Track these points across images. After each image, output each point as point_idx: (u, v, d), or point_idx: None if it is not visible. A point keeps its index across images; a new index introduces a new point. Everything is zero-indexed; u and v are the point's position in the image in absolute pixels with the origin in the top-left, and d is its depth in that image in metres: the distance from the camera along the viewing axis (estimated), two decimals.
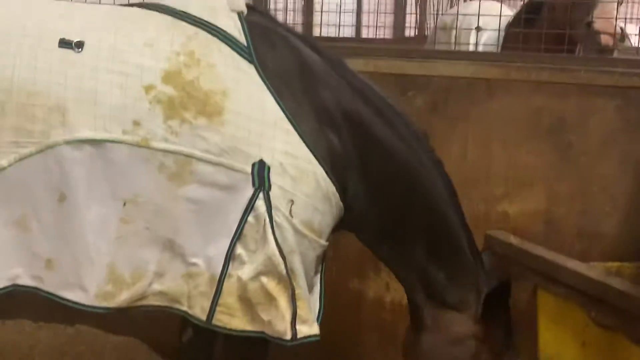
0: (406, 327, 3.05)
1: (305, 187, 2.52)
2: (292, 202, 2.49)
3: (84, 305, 2.49)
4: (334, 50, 2.77)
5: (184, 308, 2.54)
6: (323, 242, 2.62)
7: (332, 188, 2.57)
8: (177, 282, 2.52)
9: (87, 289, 2.47)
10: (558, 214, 3.25)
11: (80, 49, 2.48)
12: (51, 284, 2.51)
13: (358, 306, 3.29)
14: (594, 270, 2.91)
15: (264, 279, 2.45)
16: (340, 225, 2.74)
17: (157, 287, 2.52)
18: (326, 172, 2.55)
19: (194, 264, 2.50)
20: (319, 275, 2.73)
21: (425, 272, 2.83)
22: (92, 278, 2.46)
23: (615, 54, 4.54)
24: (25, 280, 2.51)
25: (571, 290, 2.90)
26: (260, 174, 2.46)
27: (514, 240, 3.19)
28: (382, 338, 3.57)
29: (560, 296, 2.98)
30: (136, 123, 2.43)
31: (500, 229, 3.20)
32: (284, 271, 2.44)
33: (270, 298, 2.45)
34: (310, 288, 2.64)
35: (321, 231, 2.60)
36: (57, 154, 2.42)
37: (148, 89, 2.45)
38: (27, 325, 4.47)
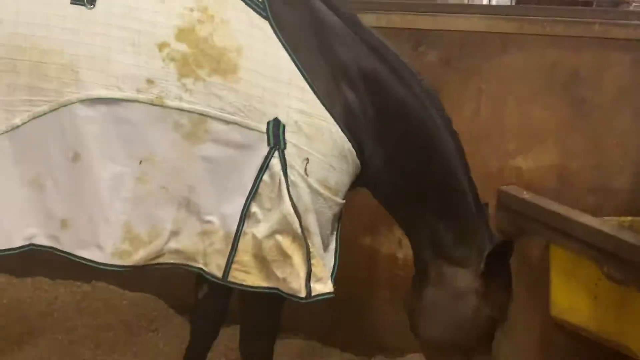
0: (410, 283, 3.09)
1: (320, 145, 2.52)
2: (307, 160, 2.50)
3: (100, 263, 2.51)
4: (347, 5, 2.73)
5: (200, 265, 2.57)
6: (339, 200, 2.63)
7: (348, 145, 2.57)
8: (193, 240, 2.54)
9: (103, 248, 2.49)
10: (571, 169, 3.24)
11: (92, 6, 2.44)
12: (67, 244, 2.53)
13: (371, 263, 3.31)
14: (606, 224, 2.91)
15: (279, 237, 2.47)
16: (357, 183, 2.75)
17: (173, 245, 2.54)
18: (342, 130, 2.55)
19: (209, 222, 2.52)
20: (335, 234, 2.73)
21: (435, 229, 2.85)
22: (108, 236, 2.48)
23: (632, 7, 4.46)
24: (42, 240, 2.53)
25: (584, 244, 2.91)
26: (275, 133, 2.46)
27: (527, 195, 3.19)
28: (394, 294, 3.60)
29: (572, 251, 2.99)
30: (150, 81, 2.41)
31: (513, 184, 3.20)
32: (299, 230, 2.46)
33: (285, 256, 2.47)
34: (326, 246, 2.65)
35: (337, 189, 2.61)
36: (70, 112, 2.41)
37: (161, 46, 2.43)
38: (44, 282, 4.56)
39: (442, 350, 3.00)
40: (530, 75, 3.23)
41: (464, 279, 2.89)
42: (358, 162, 2.64)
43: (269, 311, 2.77)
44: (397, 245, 3.65)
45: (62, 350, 3.80)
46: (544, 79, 3.21)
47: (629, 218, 3.08)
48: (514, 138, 3.27)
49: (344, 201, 2.65)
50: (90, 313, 4.21)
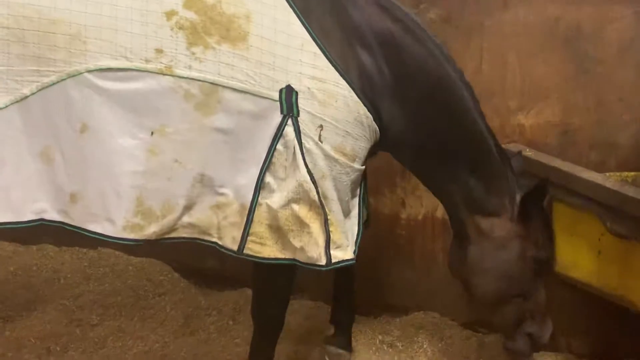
0: (450, 244, 3.10)
1: (334, 111, 2.49)
2: (321, 127, 2.48)
3: (111, 237, 2.50)
4: None
5: (214, 239, 2.57)
6: (357, 166, 2.60)
7: (363, 110, 2.54)
8: (207, 213, 2.53)
9: (114, 221, 2.48)
10: (574, 125, 3.23)
11: None
12: (77, 218, 2.52)
13: (374, 223, 3.32)
14: (609, 180, 2.91)
15: (295, 206, 2.46)
16: (378, 147, 2.73)
17: (186, 219, 2.53)
18: (357, 95, 2.52)
19: (224, 195, 2.51)
20: (356, 199, 2.71)
21: (466, 185, 2.84)
22: (119, 210, 2.47)
23: None
24: (52, 215, 2.53)
25: (587, 200, 2.92)
26: (288, 100, 2.44)
27: (529, 152, 3.19)
28: (398, 253, 3.63)
29: (576, 207, 3.00)
30: (159, 51, 2.40)
31: (516, 142, 3.19)
32: (316, 197, 2.45)
33: (302, 224, 2.46)
34: (347, 213, 2.64)
35: (355, 155, 2.58)
36: (78, 82, 2.40)
37: (169, 14, 2.41)
38: (50, 249, 4.59)
39: (500, 300, 3.00)
40: (532, 32, 3.20)
41: (503, 227, 2.90)
42: (376, 126, 2.61)
43: (282, 280, 2.76)
44: (400, 206, 3.66)
45: (69, 316, 3.84)
46: (546, 35, 3.18)
47: (632, 173, 3.08)
48: (516, 95, 3.25)
49: (363, 167, 2.63)
50: (96, 279, 4.25)
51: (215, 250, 4.09)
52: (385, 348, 3.63)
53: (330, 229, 2.48)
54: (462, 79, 2.74)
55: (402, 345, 3.64)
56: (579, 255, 3.07)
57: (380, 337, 3.72)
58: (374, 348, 3.62)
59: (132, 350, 3.59)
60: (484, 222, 2.93)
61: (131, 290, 4.15)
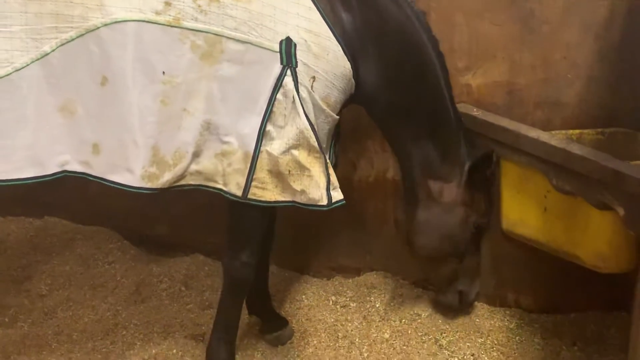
0: (396, 203, 3.27)
1: (325, 64, 2.64)
2: (314, 78, 2.63)
3: (132, 187, 2.61)
4: None
5: (219, 185, 2.69)
6: (335, 116, 2.77)
7: (348, 65, 2.71)
8: (212, 161, 2.65)
9: (134, 171, 2.58)
10: (520, 84, 3.26)
11: None
12: (99, 168, 2.62)
13: None
14: (555, 138, 2.96)
15: (295, 152, 2.60)
16: (352, 100, 2.89)
17: (194, 167, 2.65)
18: (343, 49, 2.67)
19: (228, 143, 2.63)
20: (329, 149, 2.87)
21: (424, 149, 3.04)
22: (138, 160, 2.57)
23: None
24: (74, 166, 2.62)
25: (533, 158, 2.97)
26: (288, 52, 2.57)
27: (477, 112, 3.21)
28: (350, 215, 3.64)
29: (522, 165, 3.05)
30: (167, 3, 2.52)
31: (464, 101, 3.21)
32: (316, 143, 2.60)
33: (302, 168, 2.60)
34: None
35: (335, 106, 2.75)
36: (96, 36, 2.49)
37: None
38: None
39: (438, 259, 3.30)
40: None
41: (450, 193, 3.12)
42: (353, 80, 2.77)
43: (257, 222, 2.86)
44: (351, 168, 3.66)
45: (18, 287, 3.77)
46: None
47: (577, 131, 3.13)
48: (463, 55, 3.26)
49: (339, 117, 2.80)
50: (44, 248, 4.16)
51: (164, 217, 4.08)
52: (339, 309, 3.66)
53: (329, 171, 2.65)
54: (435, 48, 2.91)
55: (355, 306, 3.68)
56: (526, 212, 3.13)
57: (333, 298, 3.76)
58: (327, 309, 3.65)
59: (82, 320, 3.55)
60: (435, 186, 3.11)
61: (80, 259, 4.08)
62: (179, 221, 4.08)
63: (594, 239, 2.87)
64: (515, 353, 3.27)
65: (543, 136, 2.96)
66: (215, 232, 3.84)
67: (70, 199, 4.23)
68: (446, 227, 3.18)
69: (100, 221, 4.34)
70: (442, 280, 3.41)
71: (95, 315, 3.59)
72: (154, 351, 3.30)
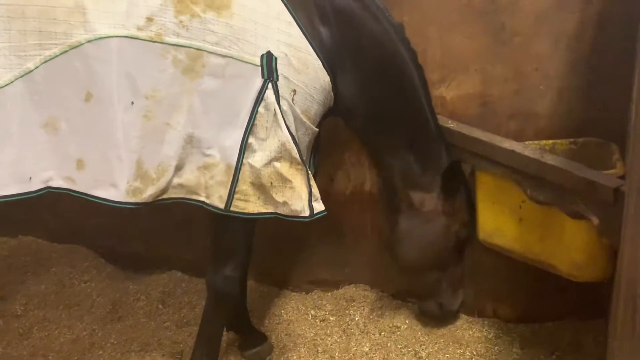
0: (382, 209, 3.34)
1: (305, 78, 2.68)
2: (295, 91, 2.66)
3: (116, 202, 2.61)
4: None
5: (202, 198, 2.69)
6: (315, 128, 2.81)
7: (327, 78, 2.76)
8: (195, 174, 2.66)
9: (118, 186, 2.59)
10: (493, 96, 3.29)
11: None
12: (83, 184, 2.62)
13: None
14: (529, 148, 2.98)
15: (277, 164, 2.62)
16: (331, 113, 2.93)
17: (177, 180, 2.66)
18: (322, 63, 2.72)
19: (210, 156, 2.65)
20: (309, 160, 2.91)
21: (404, 160, 3.10)
22: (123, 175, 2.58)
23: None
24: (58, 182, 2.62)
25: (507, 169, 2.99)
26: (269, 65, 2.60)
27: (451, 124, 3.23)
28: (328, 228, 3.64)
29: (497, 176, 3.07)
30: (149, 19, 2.53)
31: (438, 114, 3.23)
32: (297, 155, 2.62)
33: (284, 180, 2.62)
34: None
35: (315, 119, 2.79)
36: (80, 53, 2.51)
37: None
38: None
39: (421, 269, 3.33)
40: (450, 5, 3.23)
41: (431, 203, 3.16)
42: (332, 93, 2.82)
43: (240, 235, 2.87)
44: (328, 181, 3.66)
45: None
46: (464, 7, 3.21)
47: (550, 141, 3.16)
48: (437, 68, 3.28)
49: (318, 129, 2.84)
50: (18, 268, 4.12)
51: (140, 233, 4.05)
52: (318, 323, 3.65)
53: (311, 183, 2.67)
54: (414, 60, 2.97)
55: (334, 319, 3.68)
56: (501, 222, 3.15)
57: (312, 312, 3.75)
58: (306, 324, 3.64)
59: (58, 340, 3.51)
60: (416, 196, 3.16)
61: (55, 278, 4.04)
62: (155, 237, 4.05)
63: (569, 248, 2.90)
64: None
65: (517, 147, 2.98)
66: (193, 248, 3.85)
67: (44, 217, 4.18)
68: (428, 237, 3.22)
69: (75, 239, 4.30)
70: (425, 290, 3.44)
71: (72, 335, 3.56)
72: None
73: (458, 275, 3.42)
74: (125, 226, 3.97)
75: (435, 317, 3.51)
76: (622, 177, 2.66)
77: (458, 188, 3.16)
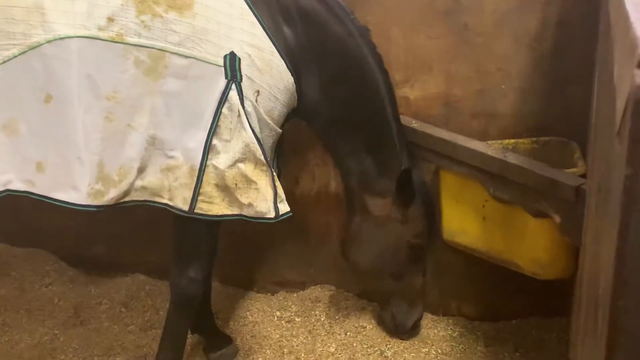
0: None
1: (269, 78, 2.65)
2: (258, 92, 2.63)
3: (77, 205, 2.57)
4: None
5: (165, 200, 2.66)
6: (279, 129, 2.79)
7: (291, 79, 2.74)
8: (157, 176, 2.63)
9: (79, 188, 2.54)
10: (456, 96, 3.30)
11: None
12: (43, 187, 2.58)
13: None
14: (491, 148, 3.01)
15: (241, 165, 2.59)
16: (294, 114, 2.91)
17: (139, 182, 2.62)
18: (286, 64, 2.70)
19: (173, 157, 2.62)
20: (273, 161, 2.87)
21: (362, 163, 3.08)
22: (84, 177, 2.53)
23: None
24: (17, 185, 2.58)
25: (471, 168, 3.02)
26: (232, 66, 2.57)
27: (415, 124, 3.25)
28: (293, 229, 3.63)
29: (461, 175, 3.09)
30: (110, 19, 2.49)
31: (402, 114, 3.23)
32: (262, 156, 2.59)
33: (249, 182, 2.60)
34: None
35: (279, 120, 2.77)
36: (39, 53, 2.47)
37: None
38: None
39: (372, 275, 3.31)
40: (413, 5, 3.24)
41: (384, 208, 3.13)
42: (296, 94, 2.81)
43: (204, 237, 2.84)
44: (293, 182, 3.65)
45: None
46: (426, 7, 3.23)
47: (512, 140, 3.19)
48: (400, 68, 3.29)
49: (281, 130, 2.81)
50: None
51: (102, 236, 3.99)
52: (284, 324, 3.64)
53: (276, 184, 2.65)
54: (379, 65, 2.97)
55: (300, 320, 3.66)
56: (465, 221, 3.17)
57: (278, 313, 3.73)
58: (272, 325, 3.62)
59: (19, 345, 3.44)
60: (371, 201, 3.15)
61: (15, 282, 3.96)
62: (118, 240, 4.00)
63: (532, 246, 2.93)
64: None
65: (480, 146, 3.01)
66: (156, 250, 3.80)
67: (4, 221, 4.10)
68: (377, 241, 3.20)
69: (35, 243, 4.22)
70: (380, 297, 3.44)
71: (33, 340, 3.49)
72: None
73: (414, 290, 3.35)
74: (87, 229, 3.91)
75: (389, 328, 3.45)
76: (584, 176, 2.70)
77: (412, 196, 3.11)
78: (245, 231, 3.45)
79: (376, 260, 3.23)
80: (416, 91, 3.34)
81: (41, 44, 2.46)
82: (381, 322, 3.53)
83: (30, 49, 2.47)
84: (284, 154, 3.10)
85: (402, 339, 3.45)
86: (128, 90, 2.53)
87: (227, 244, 3.32)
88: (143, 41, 2.52)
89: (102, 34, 2.49)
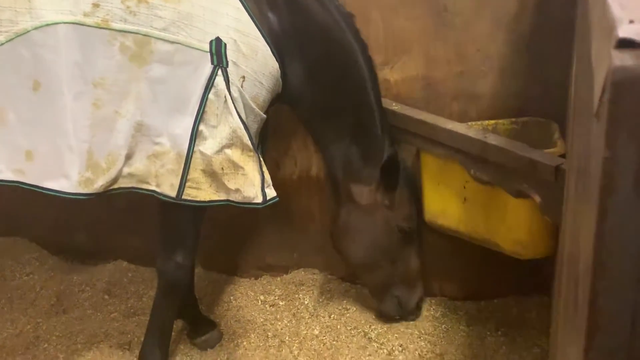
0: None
1: (254, 64, 2.64)
2: (244, 78, 2.62)
3: (68, 193, 2.55)
4: None
5: (152, 187, 2.66)
6: (263, 115, 2.78)
7: (276, 65, 2.73)
8: (144, 162, 2.62)
9: (70, 177, 2.53)
10: (436, 78, 3.30)
11: None
12: (33, 176, 2.56)
13: None
14: (471, 129, 3.02)
15: (228, 151, 2.58)
16: (278, 100, 2.90)
17: (127, 169, 2.61)
18: (271, 50, 2.69)
19: (159, 144, 2.61)
20: (259, 147, 2.85)
21: (346, 151, 3.07)
22: (73, 165, 2.52)
23: None
24: (7, 175, 2.56)
25: (451, 150, 3.02)
26: (218, 51, 2.56)
27: (395, 107, 3.25)
28: (275, 213, 3.62)
29: (441, 157, 3.09)
30: (95, 5, 2.47)
31: (383, 96, 3.23)
32: (249, 141, 2.59)
33: (236, 167, 2.59)
34: None
35: (264, 105, 2.77)
36: (27, 40, 2.44)
37: None
38: None
39: (367, 263, 3.28)
40: None
41: (370, 196, 3.13)
42: (281, 80, 2.80)
43: (190, 222, 2.85)
44: (274, 167, 3.64)
45: None
46: None
47: (492, 121, 3.20)
48: (380, 50, 3.28)
49: (266, 116, 2.81)
50: None
51: (83, 224, 3.96)
52: (268, 308, 3.65)
53: (263, 170, 2.65)
54: (363, 51, 2.96)
55: (284, 304, 3.68)
56: (446, 203, 3.18)
57: (262, 297, 3.74)
58: (256, 309, 3.63)
59: (1, 334, 3.44)
60: (356, 188, 3.14)
61: None
62: (99, 227, 3.98)
63: (513, 226, 2.95)
64: (442, 341, 3.33)
65: (459, 128, 3.01)
66: (138, 236, 3.79)
67: None
68: (367, 230, 3.20)
69: (15, 231, 4.19)
70: (376, 287, 3.40)
71: (15, 329, 3.47)
72: None
73: (412, 270, 3.36)
74: (68, 217, 3.88)
75: (394, 316, 3.42)
76: (563, 156, 2.71)
77: (397, 181, 3.12)
78: (227, 216, 3.44)
79: (369, 249, 3.23)
80: (396, 73, 3.34)
81: (28, 31, 2.44)
82: (383, 315, 3.47)
83: (17, 36, 2.45)
84: (267, 139, 3.09)
85: (409, 321, 3.45)
86: (115, 77, 2.52)
87: (209, 230, 3.31)
88: (128, 27, 2.50)
89: (87, 20, 2.47)
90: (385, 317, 3.49)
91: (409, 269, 3.35)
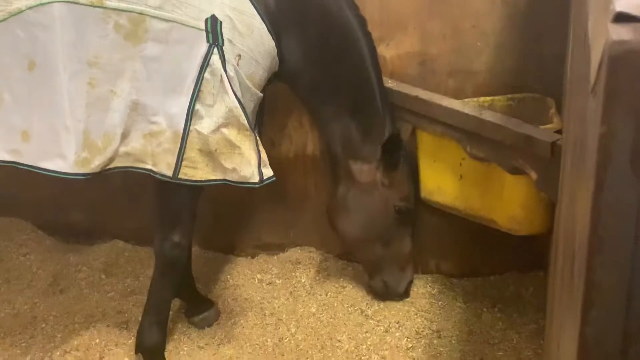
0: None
1: (250, 42, 2.63)
2: (240, 56, 2.60)
3: (65, 173, 2.55)
4: None
5: (149, 166, 2.65)
6: (260, 94, 2.76)
7: (272, 43, 2.71)
8: (140, 141, 2.61)
9: (67, 157, 2.52)
10: (432, 54, 3.29)
11: None
12: (29, 156, 2.55)
13: None
14: (467, 106, 3.01)
15: (225, 130, 2.58)
16: (275, 78, 2.89)
17: (123, 148, 2.61)
18: (267, 28, 2.66)
19: (156, 123, 2.60)
20: (255, 126, 2.84)
21: (346, 128, 3.06)
22: (70, 145, 2.51)
23: None
24: (3, 156, 2.56)
25: (447, 127, 3.02)
26: (214, 30, 2.53)
27: (391, 83, 3.23)
28: (271, 192, 3.61)
29: (437, 134, 3.09)
30: None
31: None
32: (245, 121, 2.58)
33: (232, 147, 2.58)
34: None
35: (260, 84, 2.74)
36: (21, 20, 2.43)
37: None
38: None
39: (361, 241, 3.29)
40: None
41: (369, 174, 3.13)
42: (277, 58, 2.77)
43: (187, 201, 2.85)
44: (269, 145, 3.63)
45: None
46: None
47: (488, 98, 3.19)
48: (375, 27, 3.25)
49: (262, 94, 2.79)
50: None
51: (79, 203, 3.96)
52: (265, 286, 3.65)
53: (260, 149, 2.64)
54: (362, 27, 2.95)
55: (281, 282, 3.68)
56: (442, 180, 3.18)
57: (259, 276, 3.74)
58: (253, 288, 3.64)
59: None
60: (355, 166, 3.14)
61: None
62: (95, 207, 3.97)
63: (509, 203, 2.95)
64: (438, 318, 3.34)
65: (455, 105, 3.01)
66: (134, 216, 3.78)
67: None
68: (364, 209, 3.20)
69: (11, 212, 4.18)
70: (368, 264, 3.42)
71: (12, 309, 3.48)
72: (75, 342, 3.23)
73: (404, 254, 3.37)
74: (64, 197, 3.87)
75: (381, 295, 3.44)
76: (559, 132, 2.71)
77: (398, 161, 3.11)
78: (223, 195, 3.43)
79: (365, 228, 3.23)
80: (392, 50, 3.32)
81: (23, 11, 2.43)
82: (372, 291, 3.49)
83: (12, 16, 2.43)
84: (264, 118, 3.07)
85: (397, 301, 3.45)
86: (109, 56, 2.51)
87: (206, 209, 3.31)
88: (122, 5, 2.48)
89: None
90: (372, 294, 3.51)
91: (402, 251, 3.35)
